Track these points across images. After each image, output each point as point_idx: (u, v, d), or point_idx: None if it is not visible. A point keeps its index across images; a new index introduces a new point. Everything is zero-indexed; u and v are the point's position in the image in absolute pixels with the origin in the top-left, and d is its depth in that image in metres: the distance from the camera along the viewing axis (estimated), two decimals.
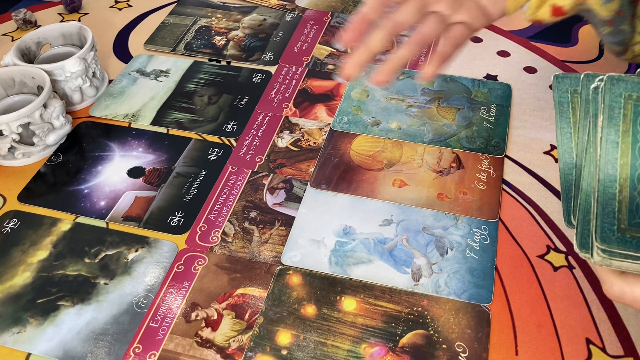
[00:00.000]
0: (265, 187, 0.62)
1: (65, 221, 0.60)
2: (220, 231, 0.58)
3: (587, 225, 0.40)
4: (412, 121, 0.68)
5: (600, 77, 0.42)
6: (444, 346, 0.49)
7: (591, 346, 0.49)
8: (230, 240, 0.57)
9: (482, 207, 0.59)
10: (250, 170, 0.63)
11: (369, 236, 0.57)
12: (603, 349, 0.49)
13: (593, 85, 0.42)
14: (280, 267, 0.55)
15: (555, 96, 0.47)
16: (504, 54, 0.78)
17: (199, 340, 0.50)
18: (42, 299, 0.53)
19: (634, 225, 0.38)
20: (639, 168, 0.39)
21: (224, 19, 0.85)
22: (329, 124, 0.68)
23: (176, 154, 0.66)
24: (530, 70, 0.75)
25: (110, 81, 0.76)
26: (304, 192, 0.61)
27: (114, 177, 0.64)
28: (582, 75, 0.44)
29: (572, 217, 0.43)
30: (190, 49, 0.80)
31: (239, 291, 0.53)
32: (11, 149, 0.65)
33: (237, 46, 0.80)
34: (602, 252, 0.38)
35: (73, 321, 0.52)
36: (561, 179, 0.45)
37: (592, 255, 0.39)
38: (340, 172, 0.63)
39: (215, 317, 0.51)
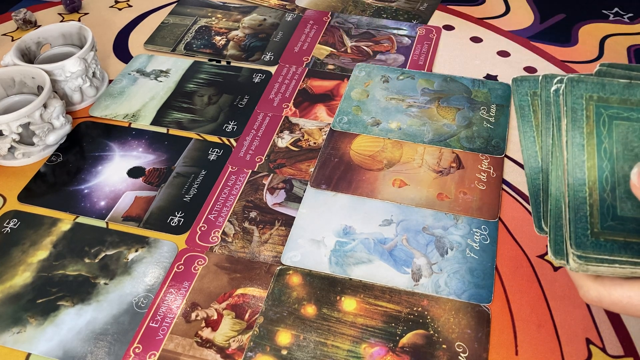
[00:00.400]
0: (265, 187, 0.62)
1: (65, 221, 0.60)
2: (220, 231, 0.58)
3: (560, 232, 0.39)
4: (412, 121, 0.68)
5: (559, 79, 0.42)
6: (444, 346, 0.49)
7: (591, 346, 0.49)
8: (230, 240, 0.57)
9: (482, 207, 0.59)
10: (250, 170, 0.63)
11: (369, 236, 0.57)
12: (603, 349, 0.49)
13: (553, 88, 0.42)
14: (280, 267, 0.55)
15: (516, 100, 0.46)
16: (504, 54, 0.78)
17: (199, 340, 0.50)
18: (42, 299, 0.53)
19: (607, 229, 0.38)
20: (606, 170, 0.39)
21: (224, 19, 0.85)
22: (329, 124, 0.68)
23: (176, 154, 0.66)
24: (530, 70, 0.75)
25: (110, 81, 0.76)
26: (304, 192, 0.61)
27: (114, 177, 0.64)
28: (540, 77, 0.44)
29: (542, 222, 0.43)
30: (190, 49, 0.80)
31: (239, 291, 0.53)
32: (11, 149, 0.65)
33: (237, 46, 0.80)
34: (577, 259, 0.37)
35: (73, 321, 0.52)
36: (528, 185, 0.45)
37: (567, 261, 0.38)
38: (340, 172, 0.63)
39: (215, 317, 0.51)
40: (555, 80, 0.42)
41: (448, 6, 0.87)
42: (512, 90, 0.47)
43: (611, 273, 0.38)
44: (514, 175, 0.62)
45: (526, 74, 0.74)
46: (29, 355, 0.50)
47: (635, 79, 0.41)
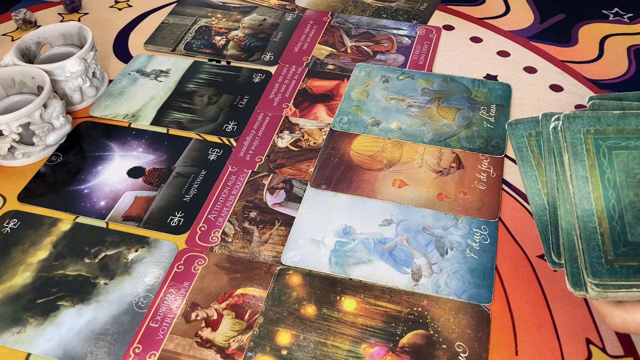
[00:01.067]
0: (265, 187, 0.62)
1: (65, 221, 0.60)
2: (220, 231, 0.58)
3: (576, 263, 0.41)
4: (412, 121, 0.68)
5: (557, 116, 0.43)
6: (444, 346, 0.49)
7: (591, 346, 0.49)
8: (230, 240, 0.57)
9: (482, 207, 0.59)
10: (250, 170, 0.63)
11: (369, 236, 0.57)
12: (603, 349, 0.49)
13: (552, 126, 0.44)
14: (280, 267, 0.55)
15: (513, 143, 0.48)
16: (504, 54, 0.78)
17: (199, 340, 0.50)
18: (42, 299, 0.53)
19: (621, 255, 0.39)
20: (612, 198, 0.40)
21: (224, 19, 0.85)
22: (329, 124, 0.68)
23: (176, 154, 0.66)
24: (530, 70, 0.75)
25: (110, 81, 0.76)
26: (304, 192, 0.61)
27: (114, 177, 0.64)
28: (540, 117, 0.46)
29: (553, 255, 0.44)
30: (190, 49, 0.80)
31: (239, 291, 0.53)
32: (11, 149, 0.65)
33: (237, 46, 0.80)
34: (596, 287, 0.39)
35: (73, 321, 0.52)
36: (536, 222, 0.46)
37: (587, 291, 0.40)
38: (340, 172, 0.63)
39: (215, 317, 0.51)
40: (553, 118, 0.44)
41: (448, 6, 0.87)
42: (508, 133, 0.49)
43: (630, 297, 0.39)
44: (514, 175, 0.62)
45: (526, 74, 0.74)
46: (29, 355, 0.50)
47: (627, 108, 0.43)
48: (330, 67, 0.76)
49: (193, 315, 0.52)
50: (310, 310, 0.52)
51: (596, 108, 0.43)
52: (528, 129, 0.48)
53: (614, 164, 0.41)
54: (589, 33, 0.81)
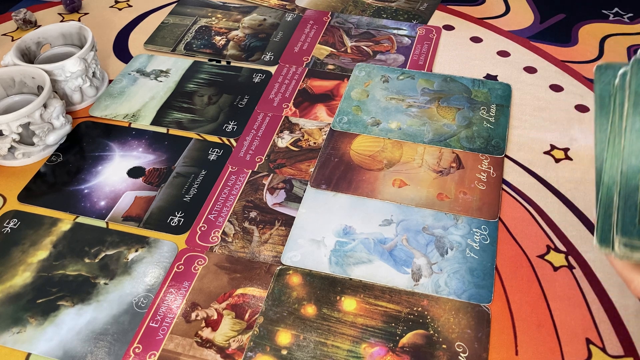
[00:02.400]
0: (265, 187, 0.62)
1: (65, 221, 0.60)
2: (220, 231, 0.58)
3: (609, 220, 0.38)
4: (412, 121, 0.68)
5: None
6: (444, 346, 0.49)
7: (591, 346, 0.49)
8: (230, 240, 0.57)
9: (482, 207, 0.59)
10: (250, 170, 0.63)
11: (369, 236, 0.57)
12: (603, 349, 0.49)
13: (620, 71, 0.38)
14: (280, 267, 0.55)
15: (596, 89, 0.42)
16: (504, 54, 0.78)
17: (199, 340, 0.50)
18: (42, 299, 0.53)
19: None
20: None
21: (224, 19, 0.85)
22: (329, 124, 0.68)
23: (176, 154, 0.66)
24: (530, 70, 0.75)
25: (110, 81, 0.76)
26: (304, 192, 0.61)
27: (114, 177, 0.64)
28: (632, 60, 0.39)
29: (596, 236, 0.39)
30: (190, 49, 0.80)
31: (239, 291, 0.53)
32: (11, 149, 0.65)
33: (237, 46, 0.80)
34: (623, 246, 0.36)
35: (73, 321, 0.52)
36: (597, 181, 0.40)
37: (612, 248, 0.37)
38: (340, 172, 0.63)
39: (215, 317, 0.51)
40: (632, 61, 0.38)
41: (448, 6, 0.87)
42: (595, 78, 0.42)
43: None
44: (514, 175, 0.62)
45: (526, 74, 0.74)
46: (29, 355, 0.50)
47: None
48: (330, 67, 0.76)
49: (193, 315, 0.52)
50: (310, 310, 0.52)
51: None
52: (617, 76, 0.41)
53: None
54: (589, 33, 0.81)
